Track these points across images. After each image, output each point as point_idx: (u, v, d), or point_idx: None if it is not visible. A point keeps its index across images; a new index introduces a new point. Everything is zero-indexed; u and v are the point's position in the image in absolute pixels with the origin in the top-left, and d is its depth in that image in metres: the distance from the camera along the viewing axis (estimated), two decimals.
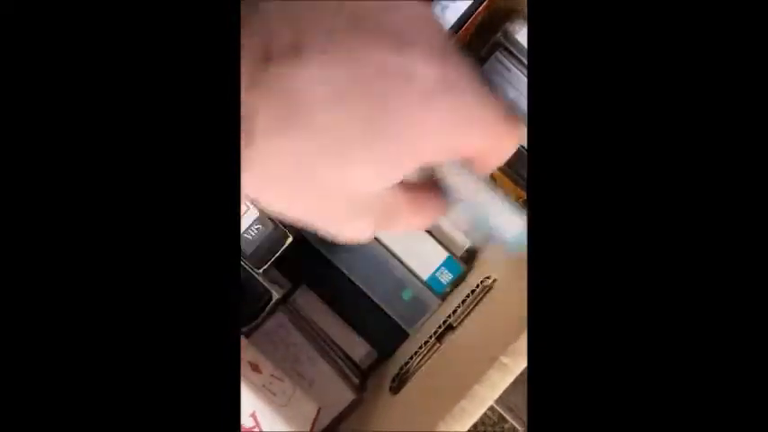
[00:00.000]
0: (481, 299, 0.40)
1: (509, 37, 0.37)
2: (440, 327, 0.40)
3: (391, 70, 0.17)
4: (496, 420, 0.57)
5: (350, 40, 0.17)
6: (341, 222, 0.20)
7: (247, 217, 0.38)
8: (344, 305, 0.45)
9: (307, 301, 0.44)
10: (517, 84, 0.38)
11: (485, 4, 0.36)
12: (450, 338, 0.40)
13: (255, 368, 0.34)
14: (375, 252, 0.44)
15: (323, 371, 0.42)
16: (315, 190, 0.19)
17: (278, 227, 0.38)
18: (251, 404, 0.32)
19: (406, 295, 0.44)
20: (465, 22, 0.36)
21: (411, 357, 0.40)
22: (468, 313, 0.40)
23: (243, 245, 0.37)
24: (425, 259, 0.44)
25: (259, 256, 0.38)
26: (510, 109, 0.20)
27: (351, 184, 0.18)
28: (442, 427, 0.29)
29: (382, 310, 0.44)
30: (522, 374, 0.28)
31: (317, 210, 0.20)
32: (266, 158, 0.18)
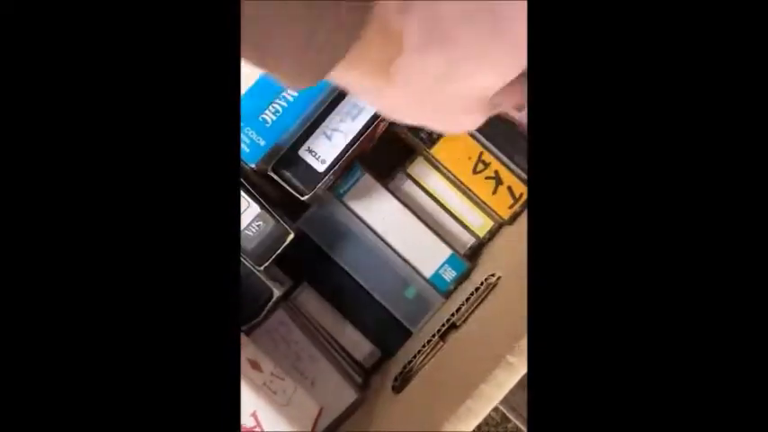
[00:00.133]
0: (485, 297, 0.39)
1: None
2: (443, 325, 0.40)
3: None
4: (499, 421, 0.57)
5: None
6: (461, 119, 0.24)
7: (248, 214, 0.37)
8: (346, 303, 0.44)
9: (308, 298, 0.44)
10: None
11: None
12: (454, 337, 0.39)
13: (256, 366, 0.34)
14: (378, 249, 0.43)
15: (324, 369, 0.42)
16: (446, 94, 0.22)
17: (279, 223, 0.37)
18: (252, 403, 0.31)
19: (410, 293, 0.44)
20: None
21: (414, 356, 0.40)
22: (472, 311, 0.39)
23: (243, 241, 0.37)
24: (429, 257, 0.44)
25: (260, 253, 0.37)
26: None
27: (480, 87, 0.22)
28: (447, 426, 0.28)
29: (385, 308, 0.44)
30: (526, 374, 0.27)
31: (443, 111, 0.24)
32: (408, 72, 0.21)
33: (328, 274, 0.43)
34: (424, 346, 0.40)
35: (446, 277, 0.44)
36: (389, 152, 0.46)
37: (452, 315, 0.40)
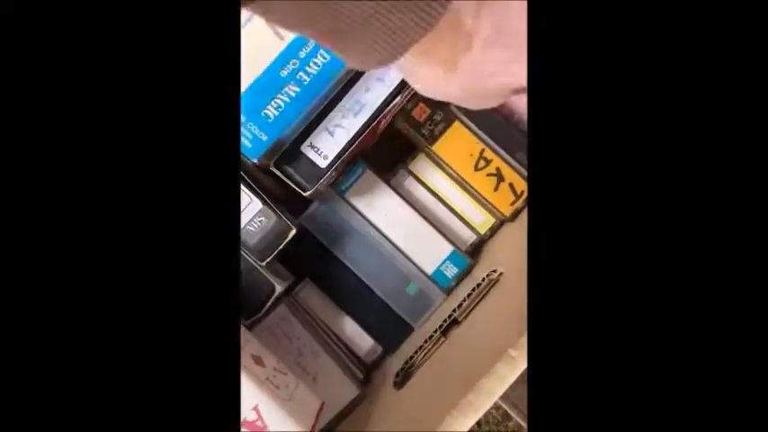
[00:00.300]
0: (487, 293, 0.39)
1: None
2: (445, 321, 0.40)
3: None
4: (500, 419, 0.57)
5: None
6: (489, 101, 0.26)
7: (250, 209, 0.37)
8: (348, 299, 0.44)
9: (310, 294, 0.44)
10: None
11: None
12: (456, 333, 0.39)
13: (258, 361, 0.34)
14: (379, 246, 0.43)
15: (326, 365, 0.42)
16: (492, 85, 0.25)
17: (281, 219, 0.37)
18: (254, 397, 0.31)
19: (411, 289, 0.44)
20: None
21: (416, 352, 0.40)
22: (474, 307, 0.39)
23: (246, 237, 0.37)
24: (430, 253, 0.44)
25: (262, 249, 0.37)
26: None
27: (517, 82, 0.24)
28: (448, 420, 0.28)
29: (387, 304, 0.44)
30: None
31: (482, 96, 0.26)
32: (473, 64, 0.23)
33: (330, 269, 0.44)
34: (425, 342, 0.40)
35: (448, 273, 0.44)
36: (391, 148, 0.46)
37: (454, 311, 0.40)
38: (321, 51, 0.35)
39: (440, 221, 0.45)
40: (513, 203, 0.45)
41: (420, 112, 0.44)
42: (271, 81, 0.35)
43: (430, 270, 0.44)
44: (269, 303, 0.39)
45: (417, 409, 0.35)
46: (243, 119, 0.35)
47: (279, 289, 0.39)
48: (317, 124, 0.37)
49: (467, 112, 0.44)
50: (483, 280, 0.40)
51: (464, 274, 0.44)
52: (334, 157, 0.37)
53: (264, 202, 0.37)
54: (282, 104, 0.35)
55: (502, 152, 0.45)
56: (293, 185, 0.38)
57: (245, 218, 0.37)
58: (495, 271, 0.40)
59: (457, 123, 0.44)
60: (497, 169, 0.45)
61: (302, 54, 0.35)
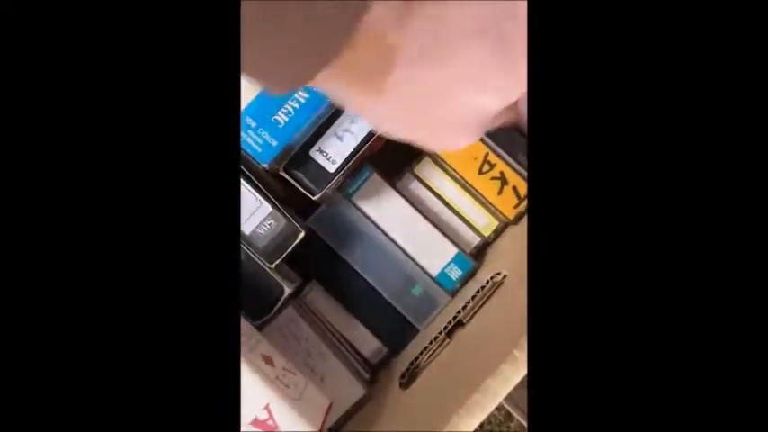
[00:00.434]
0: (491, 295, 0.40)
1: None
2: (449, 323, 0.41)
3: (517, 13, 0.20)
4: (503, 419, 0.57)
5: None
6: (455, 137, 0.23)
7: (260, 213, 0.38)
8: (354, 301, 0.45)
9: (317, 296, 0.45)
10: None
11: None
12: (460, 334, 0.40)
13: (269, 361, 0.34)
14: (385, 248, 0.44)
15: (333, 366, 0.42)
16: (441, 111, 0.21)
17: (290, 222, 0.38)
18: (265, 396, 0.32)
19: (416, 291, 0.44)
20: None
21: (421, 353, 0.41)
22: (478, 309, 0.40)
23: (255, 240, 0.38)
24: (435, 255, 0.44)
25: (271, 251, 0.38)
26: None
27: (480, 107, 0.21)
28: (454, 420, 0.29)
29: (392, 305, 0.44)
30: None
31: (436, 128, 0.22)
32: (400, 86, 0.20)
33: (337, 272, 0.44)
34: (430, 343, 0.40)
35: (452, 276, 0.44)
36: (397, 153, 0.46)
37: (458, 313, 0.40)
38: None
39: (444, 224, 0.45)
40: (516, 206, 0.45)
41: None
42: None
43: (435, 272, 0.44)
44: (278, 305, 0.39)
45: (423, 408, 0.35)
46: (254, 125, 0.36)
47: (287, 291, 0.39)
48: (326, 129, 0.38)
49: None
50: (487, 282, 0.40)
51: (468, 277, 0.45)
52: (343, 162, 0.38)
53: (274, 206, 0.38)
54: (292, 110, 0.36)
55: (505, 156, 0.45)
56: (302, 189, 0.38)
57: (254, 221, 0.38)
58: (498, 273, 0.40)
59: None
60: (501, 173, 0.45)
61: None
